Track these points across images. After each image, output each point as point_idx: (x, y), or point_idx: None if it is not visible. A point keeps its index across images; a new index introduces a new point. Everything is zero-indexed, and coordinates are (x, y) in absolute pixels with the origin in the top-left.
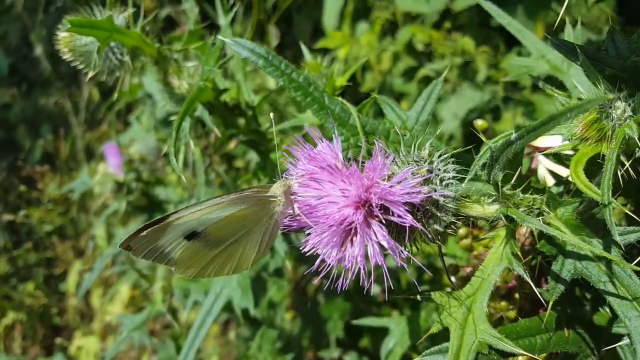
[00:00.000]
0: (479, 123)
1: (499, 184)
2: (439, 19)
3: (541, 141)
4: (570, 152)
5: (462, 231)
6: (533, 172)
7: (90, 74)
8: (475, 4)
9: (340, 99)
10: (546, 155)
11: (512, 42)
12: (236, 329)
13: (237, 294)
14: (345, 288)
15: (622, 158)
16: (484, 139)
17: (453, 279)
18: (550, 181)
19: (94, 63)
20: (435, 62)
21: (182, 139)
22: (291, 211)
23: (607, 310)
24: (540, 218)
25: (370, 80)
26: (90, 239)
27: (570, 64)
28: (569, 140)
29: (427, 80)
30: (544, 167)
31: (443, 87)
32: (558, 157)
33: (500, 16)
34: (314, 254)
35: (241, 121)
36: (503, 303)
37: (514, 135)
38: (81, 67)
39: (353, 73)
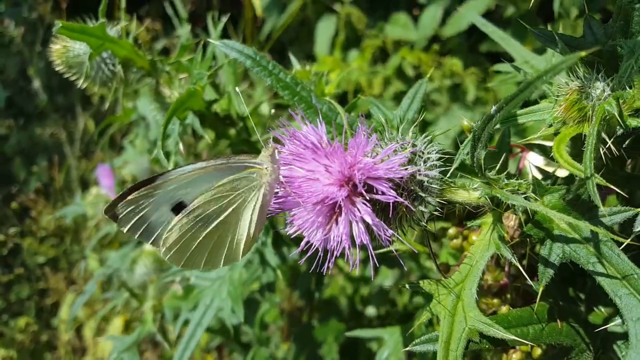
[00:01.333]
0: (466, 123)
1: (482, 163)
2: (428, 44)
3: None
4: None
5: (452, 231)
6: (521, 171)
7: (83, 84)
8: (464, 30)
9: (327, 98)
10: (532, 148)
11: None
12: (229, 356)
13: (228, 305)
14: (330, 267)
15: (604, 136)
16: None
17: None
18: (538, 177)
19: (86, 71)
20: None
21: (173, 141)
22: (278, 186)
23: (602, 310)
24: (526, 196)
25: (338, 106)
26: (83, 259)
27: None
28: (551, 124)
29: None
30: (533, 166)
31: (434, 110)
32: (545, 151)
33: (483, 25)
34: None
35: (232, 131)
36: (495, 300)
37: (493, 108)
38: (73, 78)
39: (344, 96)
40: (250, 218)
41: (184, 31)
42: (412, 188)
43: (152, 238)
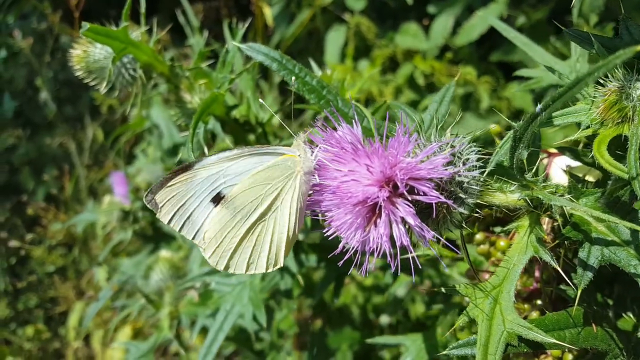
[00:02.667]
0: (493, 127)
1: (525, 163)
2: (439, 53)
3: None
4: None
5: (479, 236)
6: (548, 175)
7: (104, 89)
8: (475, 40)
9: (353, 101)
10: (563, 152)
11: (511, 76)
12: None
13: (249, 311)
14: (371, 269)
15: None
16: (497, 140)
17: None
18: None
19: (109, 75)
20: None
21: (197, 145)
22: (313, 172)
23: (631, 316)
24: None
25: (373, 110)
26: (92, 268)
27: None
28: (588, 126)
29: None
30: (560, 170)
31: (445, 120)
32: (575, 154)
33: (505, 30)
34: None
35: (251, 137)
36: (526, 305)
37: (538, 107)
38: (93, 83)
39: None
40: (289, 211)
41: (196, 40)
42: (452, 189)
43: (195, 232)
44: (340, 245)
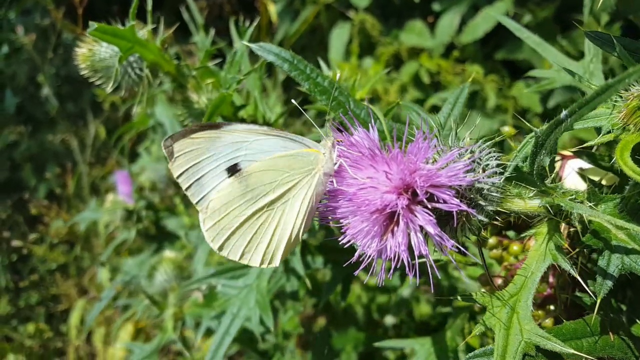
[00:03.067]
0: (507, 129)
1: (547, 169)
2: (445, 51)
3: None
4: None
5: (492, 241)
6: (561, 179)
7: (110, 88)
8: (480, 38)
9: (365, 103)
10: (579, 156)
11: (517, 75)
12: None
13: (256, 314)
14: (389, 277)
15: None
16: (511, 143)
17: (483, 289)
18: (582, 187)
19: (115, 74)
20: (444, 92)
21: None
22: (331, 179)
23: None
24: (588, 206)
25: (377, 111)
26: (98, 267)
27: (592, 75)
28: (609, 131)
29: (435, 110)
30: (575, 173)
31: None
32: (593, 158)
33: (518, 30)
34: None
35: None
36: (540, 312)
37: (563, 113)
38: (99, 82)
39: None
40: (299, 207)
41: (201, 37)
42: (471, 196)
43: (201, 196)
44: (357, 254)
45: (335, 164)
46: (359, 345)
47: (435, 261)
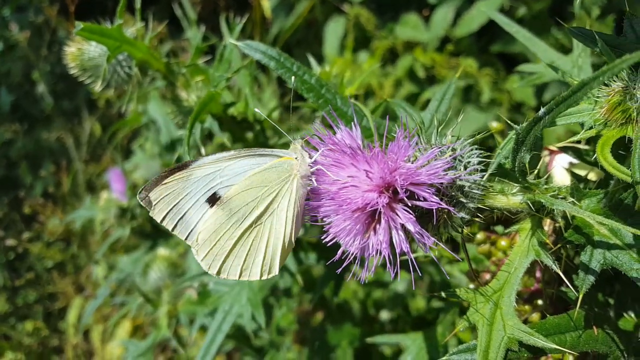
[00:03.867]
0: (494, 125)
1: (527, 166)
2: (439, 45)
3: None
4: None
5: (480, 236)
6: (549, 174)
7: (99, 87)
8: (475, 31)
9: (353, 100)
10: (565, 151)
11: (512, 68)
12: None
13: (248, 311)
14: (371, 275)
15: None
16: (498, 138)
17: (472, 285)
18: (569, 183)
19: (103, 73)
20: (438, 86)
21: (193, 144)
22: (309, 177)
23: (632, 315)
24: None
25: (372, 106)
26: (91, 264)
27: (581, 69)
28: (591, 127)
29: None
30: (561, 169)
31: (446, 113)
32: (578, 153)
33: (507, 24)
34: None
35: (249, 135)
36: (527, 306)
37: (542, 110)
38: (88, 81)
39: (356, 98)
40: (285, 215)
41: (194, 33)
42: (452, 194)
43: (188, 232)
44: (340, 252)
45: (311, 167)
46: (354, 341)
47: (425, 257)
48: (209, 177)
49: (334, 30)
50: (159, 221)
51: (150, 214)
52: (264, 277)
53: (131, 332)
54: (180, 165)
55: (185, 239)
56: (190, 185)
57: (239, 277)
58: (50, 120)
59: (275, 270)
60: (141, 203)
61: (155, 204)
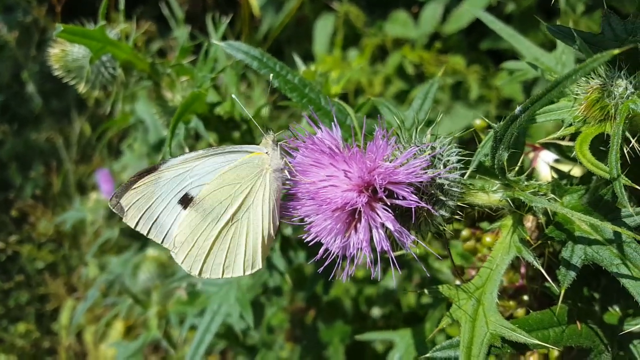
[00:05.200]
0: (478, 122)
1: (505, 165)
2: (428, 42)
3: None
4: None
5: (465, 233)
6: (534, 170)
7: (83, 88)
8: (464, 28)
9: (337, 99)
10: (548, 148)
11: (500, 64)
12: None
13: (236, 311)
14: (352, 274)
15: (627, 135)
16: (482, 135)
17: (457, 282)
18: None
19: (87, 75)
20: (426, 84)
21: (177, 145)
22: (282, 170)
23: (617, 309)
24: (548, 199)
25: (348, 108)
26: (82, 264)
27: (565, 66)
28: (571, 124)
29: None
30: (546, 165)
31: (435, 109)
32: (560, 150)
33: (491, 22)
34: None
35: (236, 134)
36: (511, 302)
37: (517, 109)
38: (73, 83)
39: (345, 96)
40: (261, 209)
41: (181, 33)
42: (432, 192)
43: (163, 236)
44: (321, 251)
45: (288, 161)
46: (346, 338)
47: (408, 254)
48: (179, 178)
49: (323, 28)
50: (132, 227)
51: (124, 220)
52: (248, 272)
53: (124, 333)
54: (149, 169)
55: (162, 242)
56: (160, 188)
57: (222, 275)
58: (40, 120)
59: (259, 264)
60: (114, 210)
61: (127, 210)
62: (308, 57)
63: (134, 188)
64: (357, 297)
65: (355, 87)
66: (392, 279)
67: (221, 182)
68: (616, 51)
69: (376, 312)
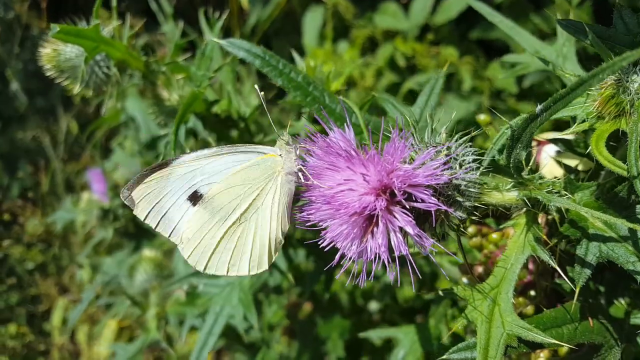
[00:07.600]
0: (482, 117)
1: (523, 163)
2: (419, 34)
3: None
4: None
5: (471, 229)
6: (538, 164)
7: (77, 89)
8: (454, 18)
9: (341, 97)
10: (555, 143)
11: (491, 54)
12: (231, 357)
13: (239, 312)
14: (371, 279)
15: None
16: (487, 132)
17: (465, 279)
18: (558, 173)
19: (81, 75)
20: (420, 75)
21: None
22: (295, 173)
23: (623, 302)
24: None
25: (354, 96)
26: (77, 267)
27: (566, 59)
28: (584, 120)
29: (412, 94)
30: (551, 159)
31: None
32: (569, 145)
33: (490, 14)
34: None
35: (234, 133)
36: (520, 299)
37: (538, 108)
38: (65, 83)
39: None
40: (270, 212)
41: (170, 28)
42: (449, 193)
43: (171, 229)
44: (337, 256)
45: (302, 165)
46: (344, 333)
47: (415, 253)
48: (190, 174)
49: (312, 20)
50: (142, 219)
51: (134, 212)
52: (253, 272)
53: (117, 333)
54: (161, 164)
55: (169, 236)
56: (171, 183)
57: (227, 273)
58: (25, 119)
59: (265, 265)
60: (125, 202)
61: (138, 203)
62: (298, 50)
63: (146, 182)
64: (354, 291)
65: (347, 80)
66: (391, 275)
67: (230, 183)
68: None
69: (374, 306)
